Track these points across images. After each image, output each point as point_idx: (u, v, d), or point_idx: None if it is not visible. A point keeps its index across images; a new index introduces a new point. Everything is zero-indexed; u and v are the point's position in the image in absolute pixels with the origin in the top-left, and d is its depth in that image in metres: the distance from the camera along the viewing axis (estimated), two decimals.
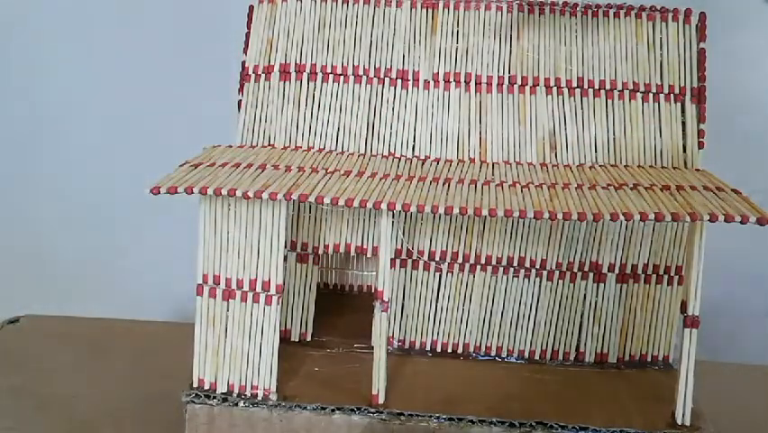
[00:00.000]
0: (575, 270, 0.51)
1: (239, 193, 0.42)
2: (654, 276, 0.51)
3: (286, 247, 0.48)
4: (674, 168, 0.50)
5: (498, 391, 0.48)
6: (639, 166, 0.50)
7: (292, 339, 0.53)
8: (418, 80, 0.52)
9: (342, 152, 0.51)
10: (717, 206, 0.41)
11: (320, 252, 0.53)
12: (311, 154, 0.50)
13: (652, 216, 0.40)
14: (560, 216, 0.40)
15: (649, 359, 0.52)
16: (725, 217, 0.40)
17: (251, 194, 0.42)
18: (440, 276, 0.52)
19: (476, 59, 0.52)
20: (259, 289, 0.45)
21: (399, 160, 0.51)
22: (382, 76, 0.52)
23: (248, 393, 0.46)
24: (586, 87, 0.51)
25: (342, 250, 0.53)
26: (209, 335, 0.46)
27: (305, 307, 0.53)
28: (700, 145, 0.51)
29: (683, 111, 0.51)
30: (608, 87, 0.51)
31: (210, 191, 0.43)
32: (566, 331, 0.52)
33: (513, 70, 0.52)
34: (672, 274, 0.51)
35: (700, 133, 0.51)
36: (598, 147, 0.51)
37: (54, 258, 0.90)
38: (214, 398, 0.46)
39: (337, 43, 0.53)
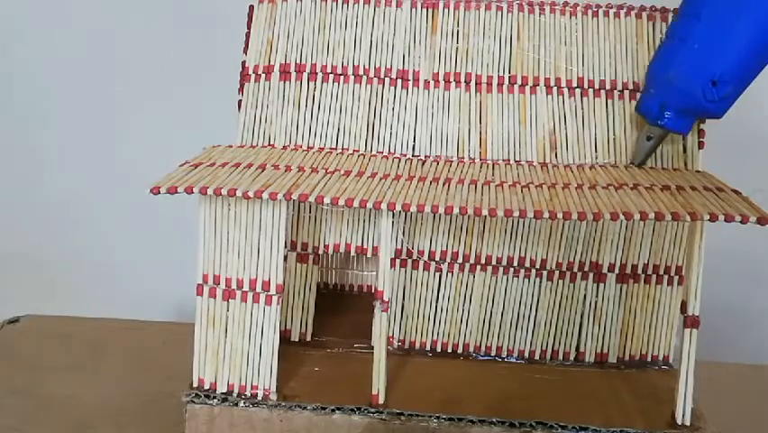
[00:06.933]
0: (575, 270, 0.51)
1: (239, 193, 0.42)
2: (654, 276, 0.51)
3: (286, 247, 0.48)
4: (674, 168, 0.50)
5: (498, 391, 0.48)
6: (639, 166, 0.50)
7: (292, 339, 0.53)
8: (418, 80, 0.52)
9: (343, 152, 0.51)
10: (717, 206, 0.41)
11: (320, 252, 0.53)
12: (311, 154, 0.50)
13: (652, 216, 0.40)
14: (560, 215, 0.40)
15: (649, 359, 0.52)
16: (725, 217, 0.40)
17: (251, 194, 0.42)
18: (440, 276, 0.52)
19: (476, 59, 0.52)
20: (259, 289, 0.45)
21: (399, 160, 0.51)
22: (382, 76, 0.52)
23: (248, 393, 0.46)
24: (586, 87, 0.51)
25: (342, 250, 0.53)
26: (209, 335, 0.46)
27: (305, 307, 0.53)
28: (700, 145, 0.51)
29: None
30: (607, 87, 0.51)
31: (210, 191, 0.43)
32: (566, 331, 0.52)
33: (513, 70, 0.52)
34: (672, 274, 0.51)
35: (700, 134, 0.51)
36: (598, 147, 0.51)
37: (54, 258, 0.90)
38: (214, 398, 0.46)
39: (337, 44, 0.53)
